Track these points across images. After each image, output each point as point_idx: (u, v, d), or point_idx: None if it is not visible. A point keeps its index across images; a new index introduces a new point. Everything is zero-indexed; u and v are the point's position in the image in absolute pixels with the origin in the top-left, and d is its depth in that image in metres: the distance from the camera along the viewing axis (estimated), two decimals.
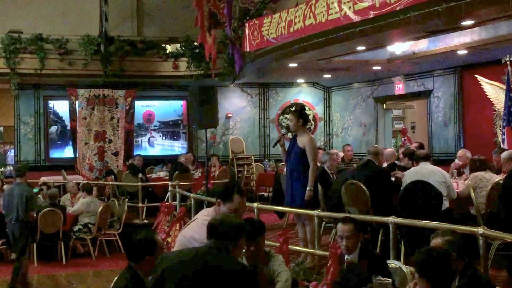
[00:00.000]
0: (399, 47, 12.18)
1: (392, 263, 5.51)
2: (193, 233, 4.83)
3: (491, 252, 6.89)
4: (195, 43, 15.69)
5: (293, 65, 13.44)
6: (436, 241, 4.50)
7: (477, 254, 5.45)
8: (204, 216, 4.96)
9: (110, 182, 14.83)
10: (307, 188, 8.32)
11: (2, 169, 19.68)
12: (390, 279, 4.76)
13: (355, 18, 8.60)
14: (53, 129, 17.55)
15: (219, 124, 14.97)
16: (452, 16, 7.59)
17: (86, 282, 10.49)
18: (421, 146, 12.00)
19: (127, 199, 13.26)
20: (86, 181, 14.30)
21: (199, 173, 15.13)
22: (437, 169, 8.32)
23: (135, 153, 16.71)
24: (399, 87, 15.58)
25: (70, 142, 17.06)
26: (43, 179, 15.49)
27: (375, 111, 16.83)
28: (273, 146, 9.69)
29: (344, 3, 8.75)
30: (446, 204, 7.98)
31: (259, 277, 5.01)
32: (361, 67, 14.15)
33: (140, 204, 13.50)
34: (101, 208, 12.01)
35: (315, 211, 7.89)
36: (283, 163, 14.75)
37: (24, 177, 10.00)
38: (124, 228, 12.49)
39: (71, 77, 16.24)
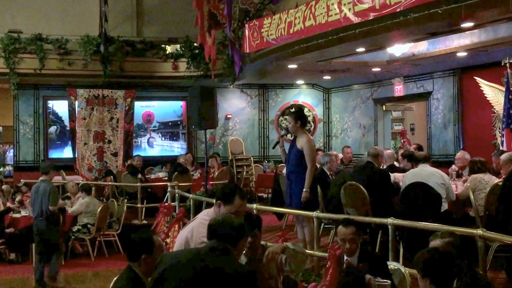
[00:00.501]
0: (398, 49, 12.18)
1: (391, 265, 5.51)
2: (191, 232, 4.83)
3: (490, 254, 6.89)
4: (195, 44, 15.70)
5: (292, 66, 13.44)
6: (435, 243, 4.51)
7: (476, 255, 5.46)
8: (204, 216, 4.96)
9: (109, 183, 14.82)
10: (304, 190, 8.32)
11: (1, 169, 19.73)
12: (389, 281, 4.76)
13: (355, 19, 8.61)
14: (52, 129, 17.54)
15: (219, 125, 14.97)
16: (452, 18, 7.60)
17: (85, 282, 10.47)
18: (419, 148, 12.01)
19: (126, 200, 13.25)
20: (85, 182, 14.29)
21: (199, 174, 15.13)
22: (436, 171, 8.33)
23: (134, 153, 16.70)
24: (399, 89, 15.58)
25: (69, 142, 17.04)
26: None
27: (375, 113, 16.83)
28: (273, 148, 9.71)
29: (344, 4, 8.76)
30: (445, 206, 8.00)
31: (258, 272, 5.04)
32: (361, 69, 14.16)
33: (139, 205, 13.48)
34: (100, 208, 12.01)
35: (314, 212, 7.89)
36: (282, 164, 14.78)
37: (49, 175, 10.44)
38: (123, 229, 12.48)
39: (71, 77, 16.24)
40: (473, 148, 12.42)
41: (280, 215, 11.48)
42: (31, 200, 10.54)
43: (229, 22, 12.41)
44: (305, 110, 18.49)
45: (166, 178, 14.58)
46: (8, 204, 12.86)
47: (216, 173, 15.03)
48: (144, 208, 13.63)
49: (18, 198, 13.45)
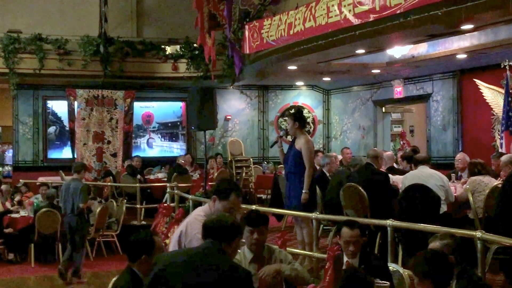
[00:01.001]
0: (398, 51, 12.20)
1: (390, 266, 5.51)
2: (185, 227, 4.83)
3: (489, 256, 6.89)
4: (195, 45, 15.69)
5: (292, 67, 13.45)
6: (434, 244, 4.51)
7: (475, 257, 5.46)
8: (199, 212, 4.97)
9: (109, 183, 14.81)
10: (303, 191, 8.31)
11: (0, 169, 19.72)
12: (388, 282, 4.76)
13: (355, 21, 8.61)
14: (52, 129, 17.53)
15: (218, 126, 14.97)
16: (452, 20, 7.59)
17: (84, 283, 10.47)
18: (414, 151, 11.99)
19: (125, 200, 13.25)
20: (84, 182, 14.26)
21: (198, 175, 15.13)
22: (436, 172, 8.33)
23: (133, 154, 16.70)
24: (398, 91, 15.59)
25: (69, 143, 17.04)
26: (41, 179, 15.47)
27: (374, 115, 16.83)
28: (271, 146, 9.73)
29: (344, 6, 8.76)
30: (444, 207, 7.99)
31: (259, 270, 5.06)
32: (361, 70, 14.16)
33: (138, 205, 13.47)
34: (99, 209, 12.00)
35: (313, 214, 7.89)
36: (281, 166, 14.75)
37: (80, 174, 10.81)
38: (122, 229, 12.47)
39: (70, 78, 16.23)
40: (472, 150, 12.42)
41: (279, 217, 11.47)
42: (61, 197, 10.82)
43: (229, 23, 12.42)
44: (305, 111, 18.48)
45: (166, 179, 14.58)
46: (7, 204, 12.86)
47: (216, 174, 15.02)
48: (143, 209, 13.62)
49: (17, 198, 13.46)
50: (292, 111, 16.72)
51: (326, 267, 6.19)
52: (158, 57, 16.58)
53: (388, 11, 7.95)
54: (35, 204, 12.41)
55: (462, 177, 9.92)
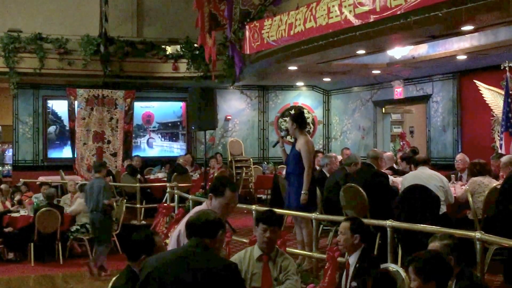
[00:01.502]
0: (398, 52, 12.21)
1: (390, 267, 5.52)
2: (183, 227, 4.86)
3: (488, 257, 6.90)
4: (195, 45, 15.69)
5: (293, 68, 13.46)
6: (434, 245, 4.52)
7: (474, 258, 5.47)
8: (196, 210, 5.00)
9: (109, 183, 14.80)
10: (302, 192, 8.31)
11: (0, 168, 19.73)
12: None
13: (356, 21, 8.62)
14: (52, 129, 17.54)
15: (218, 126, 14.99)
16: (452, 21, 7.62)
17: (83, 282, 10.46)
18: (414, 151, 12.00)
19: (125, 200, 13.24)
20: (84, 182, 14.28)
21: (198, 175, 15.13)
22: (435, 173, 8.34)
23: (134, 154, 16.72)
24: (398, 92, 15.60)
25: (69, 142, 17.05)
26: (41, 179, 15.49)
27: (374, 115, 16.85)
28: (273, 146, 9.72)
29: (345, 6, 8.77)
30: (443, 208, 8.00)
31: (264, 269, 5.14)
32: (361, 71, 14.17)
33: (138, 205, 13.47)
34: None
35: (313, 214, 7.90)
36: (281, 166, 14.80)
37: (101, 173, 11.17)
38: (122, 229, 12.47)
39: (71, 77, 16.25)
40: (472, 151, 12.42)
41: None
42: (85, 195, 11.17)
43: (230, 23, 12.43)
44: (305, 112, 18.50)
45: (165, 179, 14.58)
46: (7, 203, 12.87)
47: (216, 174, 15.02)
48: (143, 209, 13.62)
49: (17, 197, 13.47)
50: (292, 111, 16.90)
51: (326, 267, 6.22)
52: (158, 57, 16.59)
53: (388, 12, 7.96)
54: (35, 203, 12.42)
55: (462, 177, 9.93)
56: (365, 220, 7.52)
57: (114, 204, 12.20)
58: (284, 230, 9.92)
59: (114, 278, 4.75)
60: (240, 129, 18.54)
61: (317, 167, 10.83)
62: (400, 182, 8.95)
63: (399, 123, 19.02)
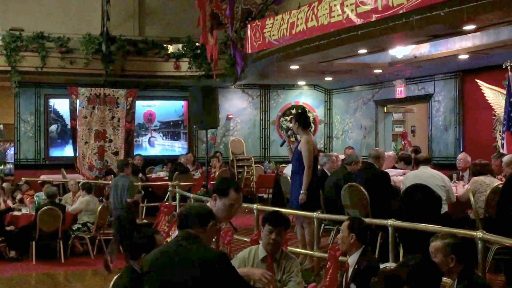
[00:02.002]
0: (400, 51, 12.20)
1: (391, 266, 5.52)
2: None
3: (489, 256, 6.90)
4: (197, 44, 15.70)
5: (294, 67, 13.46)
6: (435, 244, 4.51)
7: (476, 258, 5.47)
8: None
9: (110, 182, 14.80)
10: (301, 192, 8.32)
11: (2, 167, 19.73)
12: None
13: (358, 21, 8.62)
14: (53, 127, 17.54)
15: (220, 125, 14.98)
16: (454, 20, 7.60)
17: (85, 281, 10.48)
18: (416, 150, 11.99)
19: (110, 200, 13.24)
20: (86, 180, 14.30)
21: (199, 174, 15.14)
22: (437, 173, 8.34)
23: (135, 152, 16.72)
24: (400, 91, 15.60)
25: (70, 141, 17.04)
26: (43, 177, 15.50)
27: (376, 114, 16.84)
28: (281, 145, 9.71)
29: (347, 5, 8.77)
30: (445, 207, 8.00)
31: (268, 270, 5.09)
32: (363, 70, 14.17)
33: (140, 204, 13.48)
34: (100, 207, 12.01)
35: (315, 213, 7.90)
36: (283, 165, 14.82)
37: (125, 171, 11.79)
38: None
39: (72, 76, 16.24)
40: (474, 150, 12.42)
41: None
42: (111, 193, 11.73)
43: (231, 22, 12.42)
44: (306, 111, 18.51)
45: (167, 178, 14.58)
46: (9, 202, 12.87)
47: (217, 173, 15.04)
48: (144, 207, 13.63)
49: (19, 196, 13.47)
50: (294, 111, 16.93)
51: (327, 266, 6.22)
52: (160, 56, 16.59)
53: (390, 11, 7.96)
54: (36, 202, 12.43)
55: (463, 177, 9.93)
56: (367, 220, 7.54)
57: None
58: None
59: (115, 277, 4.76)
60: (241, 128, 18.54)
61: (319, 166, 10.82)
62: (401, 181, 8.96)
63: (401, 122, 19.02)
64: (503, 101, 12.04)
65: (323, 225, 9.38)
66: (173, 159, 16.35)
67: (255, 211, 8.79)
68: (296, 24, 10.19)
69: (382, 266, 5.45)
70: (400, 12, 7.82)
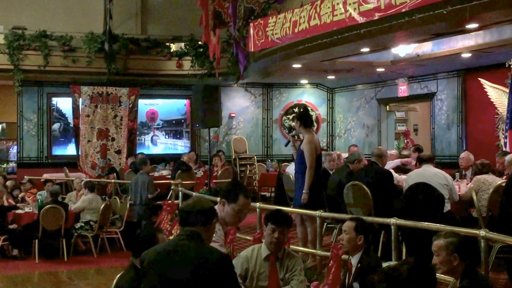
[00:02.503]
0: (403, 49, 12.18)
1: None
2: None
3: (492, 255, 6.89)
4: (199, 42, 15.72)
5: (297, 65, 13.45)
6: (438, 242, 4.51)
7: (478, 256, 5.47)
8: None
9: (113, 180, 14.83)
10: (303, 191, 8.31)
11: (5, 165, 19.76)
12: None
13: (360, 19, 8.62)
14: (56, 126, 17.56)
15: (222, 123, 15.00)
16: (457, 19, 7.60)
17: (88, 279, 10.48)
18: (418, 149, 11.97)
19: (129, 197, 13.25)
20: (88, 179, 14.31)
21: (202, 172, 15.14)
22: (440, 171, 8.33)
23: (138, 151, 16.74)
24: (403, 89, 15.58)
25: (73, 140, 17.08)
26: (46, 176, 15.51)
27: (378, 113, 16.83)
28: (285, 145, 9.69)
29: (349, 4, 8.77)
30: (447, 206, 7.99)
31: (271, 269, 5.14)
32: (365, 69, 14.16)
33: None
34: (103, 205, 12.02)
35: (317, 212, 7.90)
36: (285, 163, 14.82)
37: (144, 168, 12.52)
38: (125, 226, 12.49)
39: (75, 75, 16.26)
40: (476, 149, 12.41)
41: None
42: (131, 189, 12.50)
43: (234, 21, 12.43)
44: (309, 109, 18.50)
45: (170, 176, 14.59)
46: (10, 200, 12.88)
47: (220, 172, 15.04)
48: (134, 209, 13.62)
49: (21, 194, 13.49)
50: (296, 109, 16.94)
51: (330, 265, 6.21)
52: (162, 54, 16.60)
53: (393, 10, 7.95)
54: (39, 200, 12.45)
55: (466, 175, 9.92)
56: (369, 218, 7.55)
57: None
58: None
59: (118, 275, 4.76)
60: (244, 126, 18.54)
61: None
62: (404, 180, 8.95)
63: (403, 121, 19.01)
64: (506, 100, 12.02)
65: (325, 223, 9.38)
66: (175, 157, 16.34)
67: (257, 209, 8.80)
68: (299, 23, 10.19)
69: (384, 265, 5.44)
70: (403, 10, 7.82)
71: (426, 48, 12.27)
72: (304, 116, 8.64)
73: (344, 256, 6.04)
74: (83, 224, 12.00)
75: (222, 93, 14.26)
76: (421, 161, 8.73)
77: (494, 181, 8.10)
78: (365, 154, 12.70)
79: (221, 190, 5.20)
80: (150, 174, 15.16)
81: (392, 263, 5.66)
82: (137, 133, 17.50)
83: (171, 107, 18.38)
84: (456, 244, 4.45)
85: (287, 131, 17.78)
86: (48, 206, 11.54)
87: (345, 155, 12.62)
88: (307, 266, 8.02)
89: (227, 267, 3.73)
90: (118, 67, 16.13)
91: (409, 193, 8.03)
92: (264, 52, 12.36)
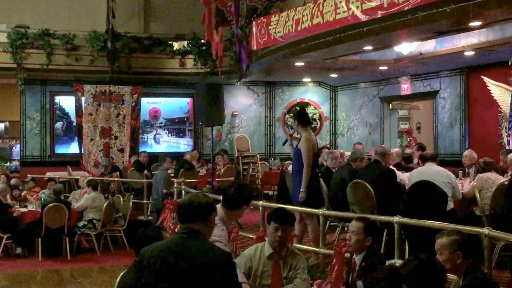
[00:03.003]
0: (406, 48, 12.18)
1: (397, 263, 5.52)
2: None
3: (495, 253, 6.89)
4: (202, 41, 15.72)
5: (299, 64, 13.45)
6: (441, 241, 4.51)
7: (482, 254, 5.46)
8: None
9: (116, 178, 14.85)
10: (300, 190, 8.30)
11: (8, 164, 19.78)
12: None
13: (363, 17, 8.62)
14: (59, 124, 17.58)
15: (225, 122, 14.99)
16: (460, 17, 7.60)
17: (91, 277, 10.49)
18: (421, 147, 11.97)
19: (132, 196, 13.27)
20: (92, 177, 14.32)
21: (205, 171, 15.14)
22: (443, 169, 8.32)
23: (140, 149, 16.75)
24: (406, 88, 15.57)
25: (76, 138, 17.10)
26: (49, 174, 15.53)
27: (381, 111, 16.83)
28: (283, 144, 9.70)
29: (352, 2, 8.77)
30: (450, 204, 7.99)
31: (274, 268, 5.15)
32: (368, 67, 14.16)
33: (145, 201, 13.51)
34: (106, 204, 12.03)
35: (320, 210, 7.89)
36: (288, 162, 14.78)
37: (163, 165, 13.24)
38: (128, 225, 12.52)
39: (78, 73, 16.29)
40: (479, 147, 12.39)
41: None
42: (153, 186, 12.97)
43: (237, 19, 12.43)
44: (311, 108, 18.53)
45: (173, 175, 14.59)
46: (9, 199, 12.88)
47: (222, 170, 15.04)
48: (150, 204, 13.65)
49: (24, 192, 13.51)
50: (298, 108, 16.89)
51: (333, 263, 6.21)
52: (165, 53, 16.61)
53: (396, 8, 7.95)
54: (42, 198, 12.46)
55: (469, 174, 9.92)
56: (372, 216, 7.55)
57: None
58: None
59: (121, 273, 4.76)
60: (247, 125, 18.55)
61: (324, 163, 10.83)
62: (407, 178, 8.95)
63: (406, 119, 19.01)
64: (509, 98, 12.03)
65: (328, 222, 9.37)
66: (178, 156, 16.35)
67: (260, 208, 8.79)
68: (302, 21, 10.19)
69: (387, 263, 5.44)
70: (406, 8, 7.82)
71: (429, 46, 12.27)
72: (301, 115, 8.61)
73: (347, 254, 6.03)
74: (86, 223, 12.02)
75: (225, 92, 14.23)
76: (424, 159, 8.72)
77: (497, 179, 8.09)
78: (367, 153, 12.70)
79: (226, 193, 5.16)
80: (153, 172, 15.25)
81: (393, 261, 5.66)
82: (140, 131, 17.50)
83: (174, 105, 18.39)
84: (459, 242, 4.45)
85: (289, 130, 17.78)
86: (51, 204, 11.56)
87: (348, 153, 12.61)
88: (310, 264, 8.02)
89: (227, 266, 3.68)
90: (120, 65, 16.14)
91: (412, 191, 8.02)
92: (266, 51, 12.37)
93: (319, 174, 9.10)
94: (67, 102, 17.40)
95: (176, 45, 16.76)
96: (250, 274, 5.22)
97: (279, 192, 12.74)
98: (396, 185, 8.79)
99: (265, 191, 16.39)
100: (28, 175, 15.52)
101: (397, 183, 8.96)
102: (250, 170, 16.53)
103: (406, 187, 8.55)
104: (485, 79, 13.22)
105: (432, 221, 6.40)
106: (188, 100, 18.18)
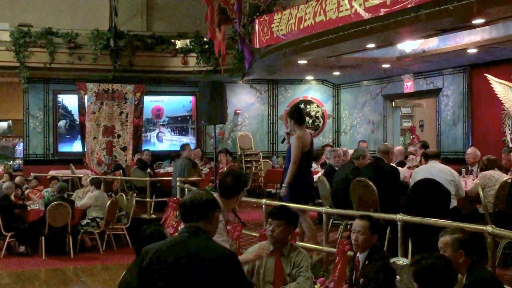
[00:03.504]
0: (409, 45, 12.16)
1: (400, 261, 5.52)
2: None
3: (498, 251, 6.88)
4: (205, 39, 15.70)
5: (302, 62, 13.43)
6: (444, 239, 4.50)
7: (485, 252, 5.46)
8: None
9: (119, 177, 14.86)
10: (283, 185, 8.30)
11: (11, 162, 19.81)
12: None
13: (366, 15, 8.60)
14: (62, 123, 17.60)
15: (228, 120, 15.00)
16: (463, 14, 7.58)
17: (94, 275, 10.52)
18: (424, 145, 11.97)
19: (135, 194, 13.29)
20: (95, 176, 14.33)
21: (208, 169, 15.14)
22: (446, 167, 8.32)
23: (143, 148, 16.75)
24: (408, 85, 15.55)
25: (79, 137, 17.11)
26: (52, 173, 15.55)
27: (384, 109, 16.81)
28: (282, 142, 9.70)
29: (355, 0, 8.74)
30: (454, 202, 7.99)
31: (276, 264, 5.16)
32: (371, 65, 14.13)
33: (148, 199, 13.51)
34: (109, 202, 12.04)
35: (323, 208, 7.89)
36: None
37: (185, 152, 13.48)
38: (132, 223, 12.52)
39: (81, 72, 16.29)
40: (482, 145, 12.37)
41: None
42: (174, 172, 13.31)
43: (239, 17, 12.41)
44: (314, 106, 18.53)
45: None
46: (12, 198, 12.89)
47: (225, 168, 15.03)
48: (153, 202, 13.66)
49: (27, 191, 13.53)
50: (302, 106, 16.90)
51: (336, 261, 6.21)
52: (168, 51, 16.60)
53: (399, 5, 7.93)
54: (45, 197, 12.48)
55: (472, 171, 9.91)
56: (375, 214, 7.54)
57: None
58: None
59: (124, 271, 4.77)
60: (249, 123, 18.54)
61: (327, 161, 10.83)
62: (408, 174, 8.95)
63: (409, 117, 18.96)
64: None
65: (331, 219, 9.37)
66: (181, 154, 16.34)
67: (263, 206, 8.79)
68: (304, 19, 10.18)
69: (391, 261, 5.44)
70: (409, 6, 7.80)
71: (432, 43, 12.24)
72: (296, 114, 8.59)
73: (350, 252, 6.03)
74: (89, 221, 12.04)
75: (227, 90, 14.26)
76: (427, 157, 8.72)
77: (501, 177, 8.09)
78: (371, 150, 12.69)
79: (224, 183, 5.12)
80: (156, 171, 15.28)
81: (396, 259, 5.66)
82: (143, 130, 17.52)
83: (177, 103, 18.39)
84: (462, 240, 4.45)
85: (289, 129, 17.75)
86: (54, 203, 11.58)
87: (351, 151, 12.60)
88: (313, 262, 8.01)
89: (232, 264, 3.64)
90: (123, 64, 16.14)
91: (415, 189, 8.02)
92: (269, 49, 12.35)
93: (323, 171, 9.09)
94: (70, 101, 17.41)
95: (179, 44, 16.76)
96: (253, 272, 5.24)
97: None
98: (399, 183, 8.79)
99: (267, 189, 16.38)
100: (31, 173, 15.54)
101: (400, 180, 8.95)
102: (253, 168, 16.52)
103: (409, 185, 8.55)
104: (488, 76, 13.19)
105: (435, 219, 6.40)
106: (190, 98, 18.18)
